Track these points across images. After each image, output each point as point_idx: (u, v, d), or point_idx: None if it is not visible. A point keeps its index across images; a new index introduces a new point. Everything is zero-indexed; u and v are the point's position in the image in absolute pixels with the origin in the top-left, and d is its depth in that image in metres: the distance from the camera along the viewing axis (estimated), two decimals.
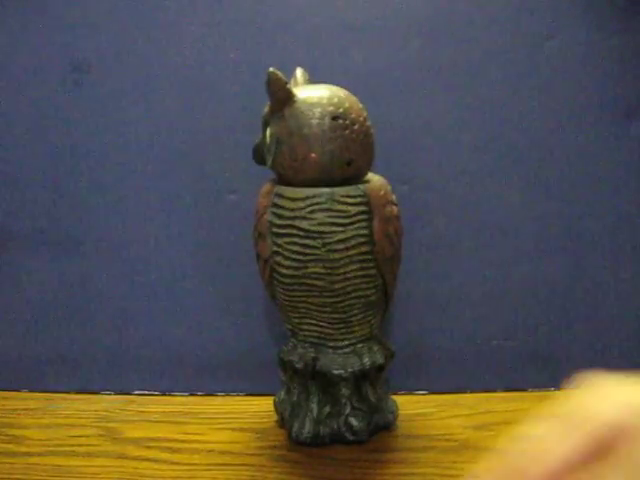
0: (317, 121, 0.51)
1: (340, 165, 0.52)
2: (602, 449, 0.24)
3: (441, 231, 0.69)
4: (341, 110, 0.52)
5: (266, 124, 0.54)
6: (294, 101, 0.52)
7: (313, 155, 0.52)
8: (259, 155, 0.56)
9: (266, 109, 0.54)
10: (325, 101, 0.52)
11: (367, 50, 0.67)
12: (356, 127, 0.53)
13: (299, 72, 0.57)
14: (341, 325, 0.56)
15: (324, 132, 0.51)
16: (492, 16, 0.66)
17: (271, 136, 0.53)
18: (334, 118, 0.52)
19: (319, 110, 0.52)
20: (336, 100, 0.52)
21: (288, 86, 0.52)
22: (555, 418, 0.26)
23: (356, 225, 0.52)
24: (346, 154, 0.52)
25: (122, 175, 0.70)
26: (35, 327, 0.72)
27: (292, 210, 0.52)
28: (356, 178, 0.54)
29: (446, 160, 0.68)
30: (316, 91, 0.53)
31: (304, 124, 0.51)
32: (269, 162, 0.54)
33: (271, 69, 0.51)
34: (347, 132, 0.52)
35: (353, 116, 0.53)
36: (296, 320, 0.57)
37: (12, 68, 0.69)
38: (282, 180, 0.54)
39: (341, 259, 0.52)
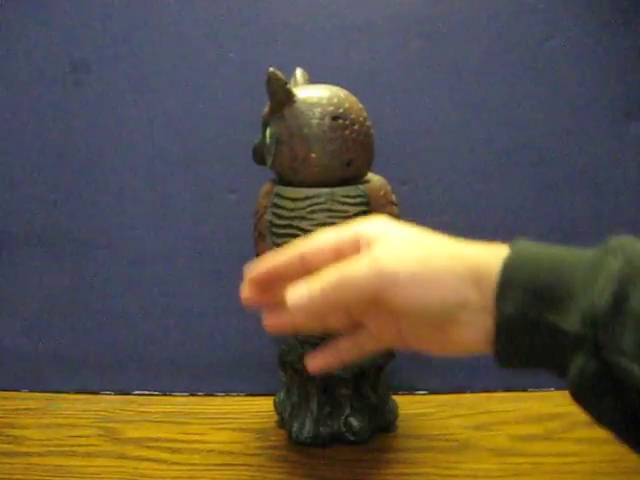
0: (317, 121, 0.51)
1: (340, 165, 0.52)
2: (351, 250, 0.36)
3: (441, 231, 0.69)
4: (341, 110, 0.52)
5: (266, 124, 0.54)
6: (294, 101, 0.52)
7: (313, 155, 0.52)
8: (259, 155, 0.56)
9: (266, 109, 0.54)
10: (325, 101, 0.52)
11: (367, 50, 0.67)
12: (356, 127, 0.53)
13: (299, 72, 0.57)
14: None
15: (324, 132, 0.51)
16: (492, 16, 0.66)
17: (271, 136, 0.53)
18: (334, 118, 0.52)
19: (319, 110, 0.52)
20: (336, 100, 0.52)
21: (288, 86, 0.52)
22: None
23: None
24: (346, 154, 0.52)
25: (122, 175, 0.70)
26: (35, 327, 0.72)
27: (292, 210, 0.52)
28: (356, 178, 0.54)
29: (446, 160, 0.68)
30: (316, 91, 0.53)
31: (304, 124, 0.51)
32: (269, 162, 0.54)
33: (271, 69, 0.51)
34: (347, 132, 0.52)
35: (353, 116, 0.53)
36: None
37: (12, 68, 0.68)
38: (282, 180, 0.54)
39: None
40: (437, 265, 0.34)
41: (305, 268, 0.37)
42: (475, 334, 0.34)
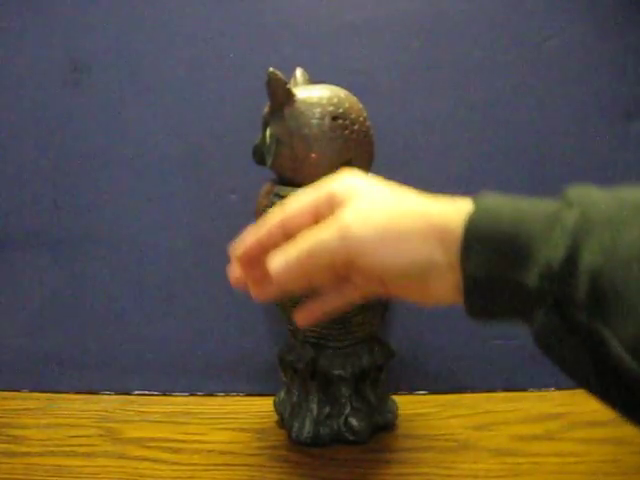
0: (317, 121, 0.51)
1: (340, 165, 0.52)
2: (325, 211, 0.38)
3: None
4: (341, 110, 0.52)
5: (266, 124, 0.54)
6: (294, 101, 0.52)
7: (313, 155, 0.52)
8: (259, 155, 0.56)
9: (266, 109, 0.54)
10: (325, 101, 0.52)
11: (367, 50, 0.67)
12: (356, 127, 0.53)
13: (299, 72, 0.57)
14: (341, 325, 0.56)
15: (324, 132, 0.51)
16: (492, 16, 0.66)
17: (271, 136, 0.53)
18: (334, 118, 0.52)
19: (319, 110, 0.52)
20: (336, 100, 0.52)
21: (288, 86, 0.52)
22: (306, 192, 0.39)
23: None
24: (346, 154, 0.52)
25: (122, 175, 0.70)
26: (35, 327, 0.72)
27: None
28: None
29: (446, 160, 0.68)
30: (316, 91, 0.53)
31: (304, 124, 0.51)
32: (269, 162, 0.54)
33: (271, 69, 0.51)
34: (347, 132, 0.52)
35: (353, 116, 0.53)
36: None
37: (12, 68, 0.68)
38: (282, 180, 0.54)
39: None
40: (404, 227, 0.35)
41: (287, 235, 0.39)
42: (447, 289, 0.35)
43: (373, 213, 0.36)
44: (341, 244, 0.36)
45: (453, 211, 0.35)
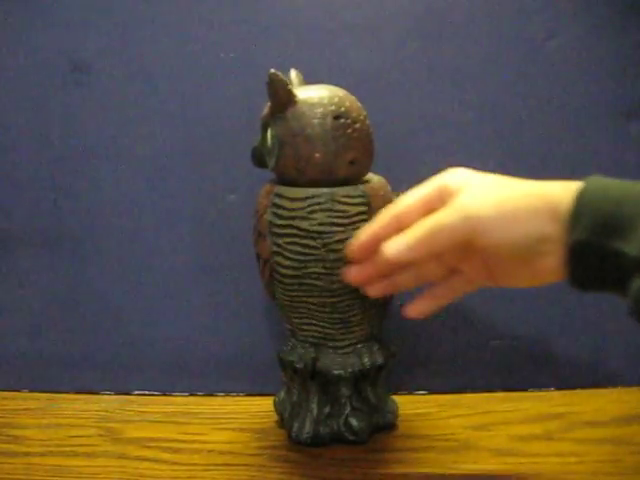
0: (319, 121, 0.51)
1: (344, 164, 0.52)
2: (438, 202, 0.42)
3: None
4: (342, 109, 0.52)
5: (266, 126, 0.54)
6: (295, 102, 0.52)
7: (317, 155, 0.52)
8: (258, 158, 0.56)
9: (265, 111, 0.54)
10: (326, 101, 0.52)
11: (367, 50, 0.67)
12: (357, 126, 0.53)
13: (293, 73, 0.57)
14: (341, 325, 0.56)
15: (327, 132, 0.51)
16: (492, 16, 0.66)
17: (273, 138, 0.53)
18: (336, 117, 0.52)
19: (321, 110, 0.52)
20: (337, 100, 0.52)
21: (289, 87, 0.52)
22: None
23: (356, 225, 0.52)
24: (349, 153, 0.52)
25: (122, 175, 0.70)
26: (35, 327, 0.72)
27: (292, 210, 0.52)
28: (358, 177, 0.54)
29: (446, 160, 0.68)
30: (315, 91, 0.53)
31: (307, 125, 0.51)
32: (271, 164, 0.54)
33: (272, 70, 0.50)
34: (349, 131, 0.52)
35: (354, 115, 0.53)
36: (296, 320, 0.57)
37: (12, 68, 0.68)
38: (286, 181, 0.54)
39: (341, 259, 0.52)
40: (516, 204, 0.39)
41: (400, 229, 0.42)
42: (556, 262, 0.39)
43: (487, 194, 0.40)
44: (461, 223, 0.39)
45: (563, 188, 0.38)
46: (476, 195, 0.40)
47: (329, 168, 0.52)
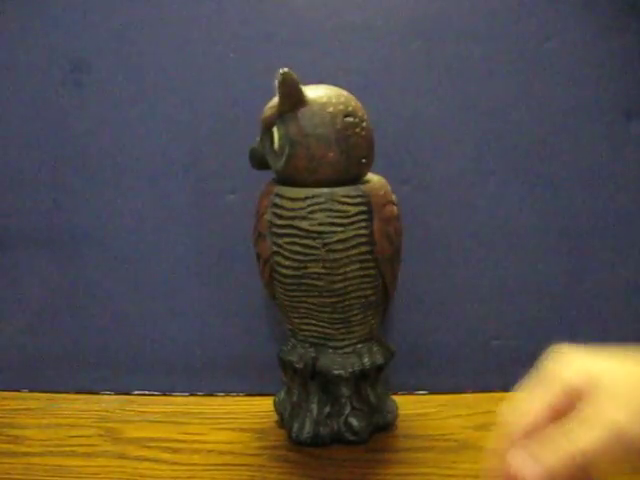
0: (331, 120, 0.51)
1: (356, 162, 0.52)
2: (565, 406, 0.33)
3: (441, 231, 0.69)
4: (350, 108, 0.52)
5: (270, 126, 0.53)
6: (306, 102, 0.51)
7: (331, 154, 0.51)
8: (257, 160, 0.55)
9: (269, 111, 0.53)
10: (334, 100, 0.52)
11: (367, 50, 0.67)
12: (364, 124, 0.53)
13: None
14: (341, 325, 0.56)
15: (338, 131, 0.51)
16: (492, 16, 0.66)
17: (281, 138, 0.52)
18: (346, 116, 0.52)
19: (331, 110, 0.51)
20: (343, 99, 0.52)
21: (300, 87, 0.51)
22: (533, 384, 0.36)
23: (356, 225, 0.52)
24: (360, 151, 0.52)
25: (122, 175, 0.70)
26: (35, 327, 0.72)
27: (292, 210, 0.52)
28: (361, 177, 0.54)
29: (446, 160, 0.68)
30: (321, 91, 0.53)
31: (318, 124, 0.51)
32: (279, 165, 0.53)
33: (285, 69, 0.50)
34: (358, 130, 0.52)
35: (360, 114, 0.53)
36: (296, 320, 0.57)
37: (12, 68, 0.68)
38: (293, 181, 0.54)
39: (341, 259, 0.52)
40: None
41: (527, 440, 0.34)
42: None
43: (632, 399, 0.31)
44: (615, 446, 0.31)
45: None
46: (621, 402, 0.31)
47: (342, 167, 0.52)
